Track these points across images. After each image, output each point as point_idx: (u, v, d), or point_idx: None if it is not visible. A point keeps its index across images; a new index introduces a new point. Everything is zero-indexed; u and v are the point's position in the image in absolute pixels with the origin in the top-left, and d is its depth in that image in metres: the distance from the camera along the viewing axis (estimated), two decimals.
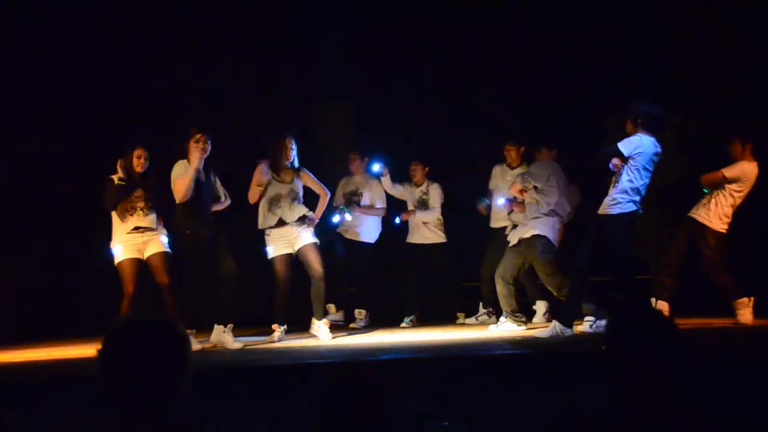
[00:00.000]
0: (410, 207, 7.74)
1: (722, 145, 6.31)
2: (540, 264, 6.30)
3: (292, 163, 6.43)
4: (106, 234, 6.10)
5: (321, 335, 6.27)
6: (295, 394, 4.12)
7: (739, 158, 6.21)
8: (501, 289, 6.52)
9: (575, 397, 3.83)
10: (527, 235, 6.35)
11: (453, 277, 7.80)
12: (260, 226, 6.41)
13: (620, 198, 5.71)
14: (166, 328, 2.06)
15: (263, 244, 6.44)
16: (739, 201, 6.22)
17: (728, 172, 6.18)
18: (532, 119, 7.95)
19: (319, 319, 6.35)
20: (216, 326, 6.06)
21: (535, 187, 6.39)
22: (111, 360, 2.01)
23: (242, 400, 4.19)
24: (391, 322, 7.48)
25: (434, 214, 7.65)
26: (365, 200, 7.67)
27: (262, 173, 6.35)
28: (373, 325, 7.46)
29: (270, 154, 6.40)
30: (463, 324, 7.47)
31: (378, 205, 7.70)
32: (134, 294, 5.94)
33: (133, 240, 6.03)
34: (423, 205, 7.67)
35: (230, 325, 6.06)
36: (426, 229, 7.67)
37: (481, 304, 7.49)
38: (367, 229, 7.67)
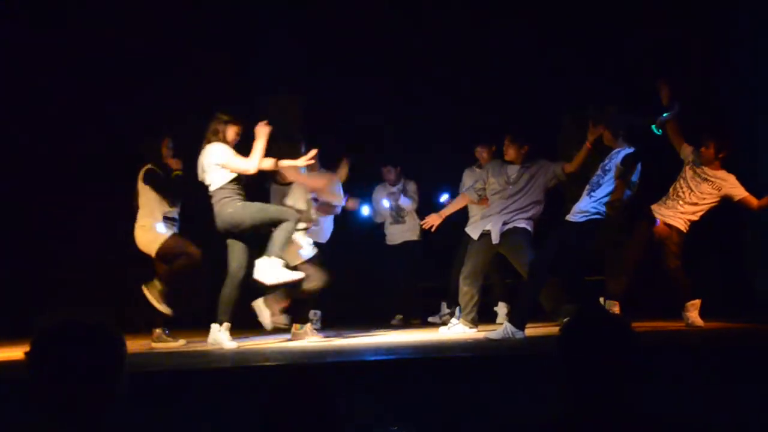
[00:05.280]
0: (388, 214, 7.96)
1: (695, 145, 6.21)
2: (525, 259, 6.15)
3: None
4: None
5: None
6: (239, 397, 3.95)
7: (707, 164, 6.13)
8: (468, 289, 6.39)
9: (526, 401, 3.75)
10: (510, 226, 6.25)
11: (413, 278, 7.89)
12: None
13: (592, 209, 5.73)
14: (98, 329, 1.99)
15: None
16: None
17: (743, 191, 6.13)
18: (486, 115, 7.93)
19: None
20: (212, 325, 5.84)
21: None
22: (39, 363, 1.94)
23: (185, 404, 4.02)
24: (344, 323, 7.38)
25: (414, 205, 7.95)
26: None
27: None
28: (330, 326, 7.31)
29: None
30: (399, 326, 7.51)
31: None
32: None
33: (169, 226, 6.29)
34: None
35: (226, 324, 5.80)
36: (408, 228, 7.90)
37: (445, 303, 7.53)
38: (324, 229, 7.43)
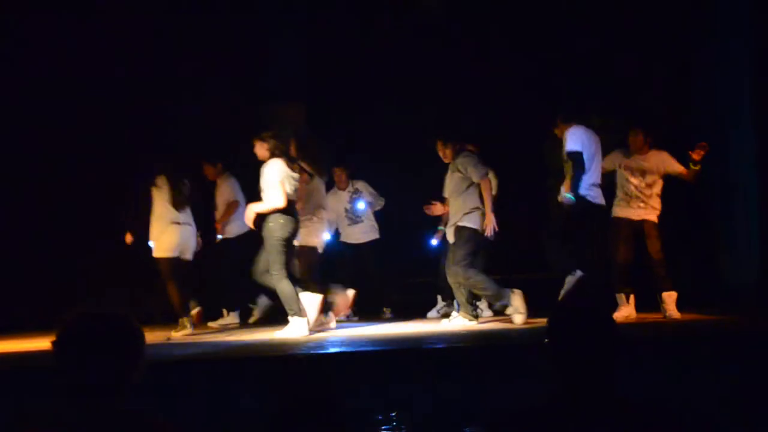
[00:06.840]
0: (342, 213, 8.01)
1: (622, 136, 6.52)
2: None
3: None
4: None
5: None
6: (246, 387, 4.15)
7: (639, 151, 6.42)
8: (453, 281, 6.57)
9: (523, 390, 3.80)
10: (455, 226, 6.53)
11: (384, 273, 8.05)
12: None
13: (583, 192, 6.12)
14: (117, 321, 2.08)
15: None
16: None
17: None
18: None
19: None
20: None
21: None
22: (64, 351, 2.04)
23: (191, 393, 4.21)
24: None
25: (381, 201, 8.02)
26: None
27: None
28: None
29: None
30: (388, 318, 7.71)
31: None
32: None
33: None
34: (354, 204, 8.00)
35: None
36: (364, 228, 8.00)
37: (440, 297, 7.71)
38: None
